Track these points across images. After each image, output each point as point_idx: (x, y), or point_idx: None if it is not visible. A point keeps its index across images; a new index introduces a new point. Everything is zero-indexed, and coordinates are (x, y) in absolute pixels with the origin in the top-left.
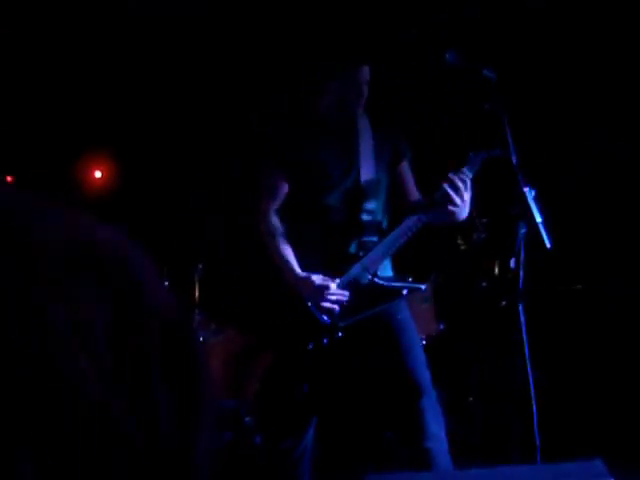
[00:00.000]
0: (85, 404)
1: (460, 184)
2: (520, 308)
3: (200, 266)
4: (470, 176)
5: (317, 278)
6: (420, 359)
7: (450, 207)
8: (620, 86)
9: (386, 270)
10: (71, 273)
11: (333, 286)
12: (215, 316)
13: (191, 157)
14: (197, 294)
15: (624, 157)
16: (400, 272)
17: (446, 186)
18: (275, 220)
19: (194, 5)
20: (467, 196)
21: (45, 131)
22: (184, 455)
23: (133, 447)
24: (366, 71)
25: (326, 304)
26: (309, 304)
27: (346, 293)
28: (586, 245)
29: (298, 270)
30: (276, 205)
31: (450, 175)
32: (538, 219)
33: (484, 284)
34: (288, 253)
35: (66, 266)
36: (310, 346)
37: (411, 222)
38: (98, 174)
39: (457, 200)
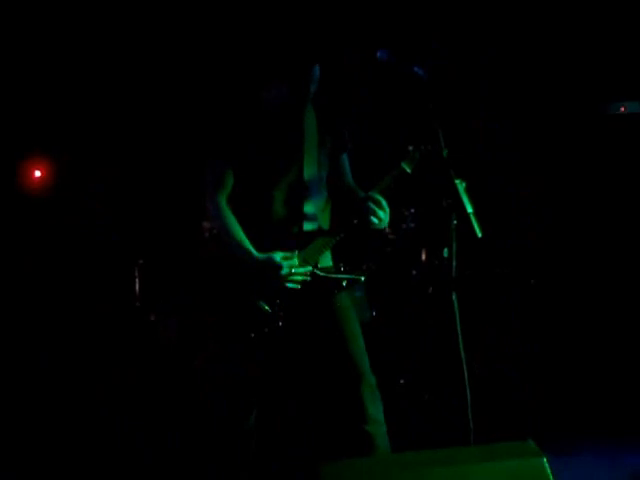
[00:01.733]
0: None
1: (375, 205)
2: (453, 295)
3: (141, 261)
4: (408, 171)
5: (278, 254)
6: (360, 345)
7: (373, 220)
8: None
9: (326, 260)
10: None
11: (296, 260)
12: (155, 308)
13: (128, 153)
14: (137, 288)
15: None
16: (334, 261)
17: (369, 204)
18: (226, 209)
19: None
20: (384, 214)
21: None
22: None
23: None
24: (316, 70)
25: (290, 284)
26: (252, 295)
27: (308, 270)
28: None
29: (255, 252)
30: (225, 195)
31: (370, 194)
32: (469, 210)
33: (414, 272)
34: (243, 239)
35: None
36: (252, 335)
37: (342, 225)
38: (37, 173)
39: (374, 222)
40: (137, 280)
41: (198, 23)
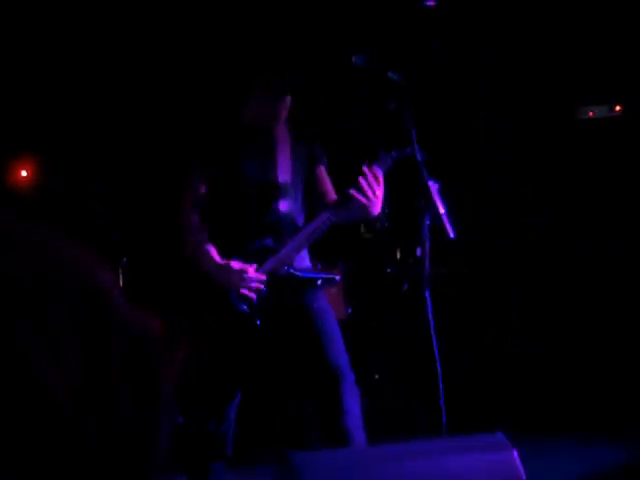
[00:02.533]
0: (52, 410)
1: (372, 179)
2: (427, 292)
3: (124, 259)
4: (380, 174)
5: (236, 264)
6: (339, 344)
7: (363, 200)
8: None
9: (304, 261)
10: (39, 299)
11: (251, 270)
12: (138, 306)
13: (112, 153)
14: (121, 285)
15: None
16: (311, 260)
17: (360, 179)
18: (194, 216)
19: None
20: (379, 191)
21: None
22: (143, 453)
23: (96, 447)
24: (288, 99)
25: (245, 291)
26: (229, 294)
27: (263, 277)
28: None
29: (217, 258)
30: (196, 201)
31: (364, 169)
32: (441, 211)
33: (389, 270)
34: (207, 245)
35: (34, 294)
36: (231, 334)
37: (321, 220)
38: (24, 173)
39: (369, 194)
40: (120, 277)
41: (187, 32)
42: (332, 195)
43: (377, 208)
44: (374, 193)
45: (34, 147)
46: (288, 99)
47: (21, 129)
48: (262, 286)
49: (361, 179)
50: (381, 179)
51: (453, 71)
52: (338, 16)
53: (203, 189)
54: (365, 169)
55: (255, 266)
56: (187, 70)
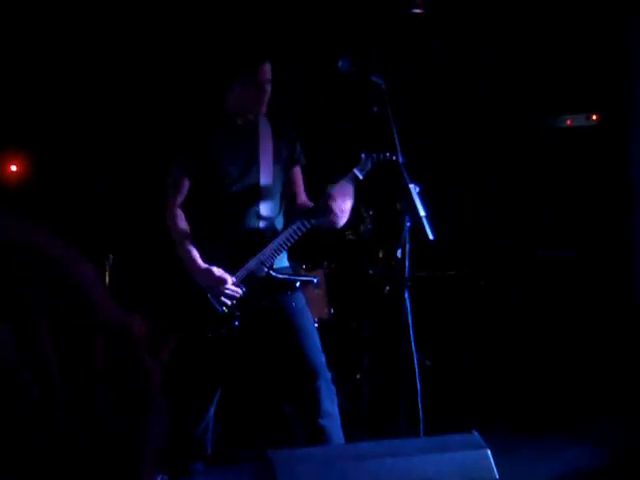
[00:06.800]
0: (33, 410)
1: (338, 196)
2: (406, 294)
3: (111, 256)
4: (360, 177)
5: (217, 270)
6: (315, 343)
7: (330, 216)
8: None
9: (282, 261)
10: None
11: (230, 281)
12: (122, 303)
13: (99, 149)
14: (107, 282)
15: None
16: (295, 261)
17: (327, 197)
18: (179, 214)
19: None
20: (347, 205)
21: None
22: (131, 452)
23: (76, 445)
24: (267, 70)
25: (222, 298)
26: (209, 295)
27: (239, 291)
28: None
29: (200, 261)
30: (180, 199)
31: (329, 188)
32: (422, 213)
33: (371, 271)
34: (190, 245)
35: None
36: (209, 334)
37: (297, 225)
38: (14, 168)
39: (336, 210)
40: (107, 274)
41: (158, 27)
42: (302, 197)
43: (343, 221)
44: (340, 209)
45: (33, 146)
46: (268, 73)
47: (18, 126)
48: (237, 295)
49: (328, 197)
50: (351, 193)
51: (453, 71)
52: (336, 16)
53: (187, 185)
54: (330, 188)
55: (234, 277)
56: (176, 63)
